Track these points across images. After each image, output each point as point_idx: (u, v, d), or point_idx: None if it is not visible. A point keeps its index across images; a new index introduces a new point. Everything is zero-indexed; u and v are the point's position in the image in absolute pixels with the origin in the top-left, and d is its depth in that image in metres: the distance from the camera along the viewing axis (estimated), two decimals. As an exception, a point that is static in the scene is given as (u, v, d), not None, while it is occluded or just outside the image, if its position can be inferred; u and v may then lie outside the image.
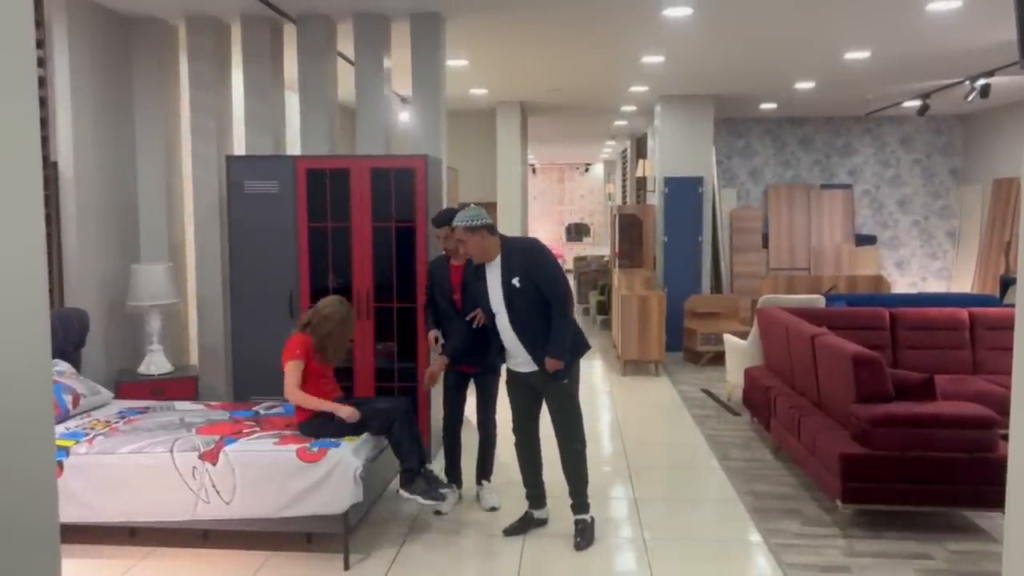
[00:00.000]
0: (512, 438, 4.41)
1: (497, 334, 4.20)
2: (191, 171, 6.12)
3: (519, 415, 4.34)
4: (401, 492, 4.16)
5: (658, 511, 4.73)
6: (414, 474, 4.13)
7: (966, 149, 11.68)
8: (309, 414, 4.18)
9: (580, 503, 4.26)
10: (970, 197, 11.39)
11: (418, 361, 5.34)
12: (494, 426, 4.75)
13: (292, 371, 4.13)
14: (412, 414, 4.35)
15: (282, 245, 5.36)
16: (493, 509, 4.64)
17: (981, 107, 10.40)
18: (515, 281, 4.04)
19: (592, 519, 4.27)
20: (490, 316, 4.20)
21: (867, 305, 6.70)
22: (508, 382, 4.36)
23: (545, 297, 4.06)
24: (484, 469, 4.77)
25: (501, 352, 4.29)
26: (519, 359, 4.17)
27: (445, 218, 4.57)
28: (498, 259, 4.12)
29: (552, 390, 4.16)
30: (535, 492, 4.40)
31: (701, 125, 9.93)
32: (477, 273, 4.23)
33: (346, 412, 4.12)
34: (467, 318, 4.41)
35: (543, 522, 4.41)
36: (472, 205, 4.13)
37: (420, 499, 4.12)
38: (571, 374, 4.16)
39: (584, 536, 4.19)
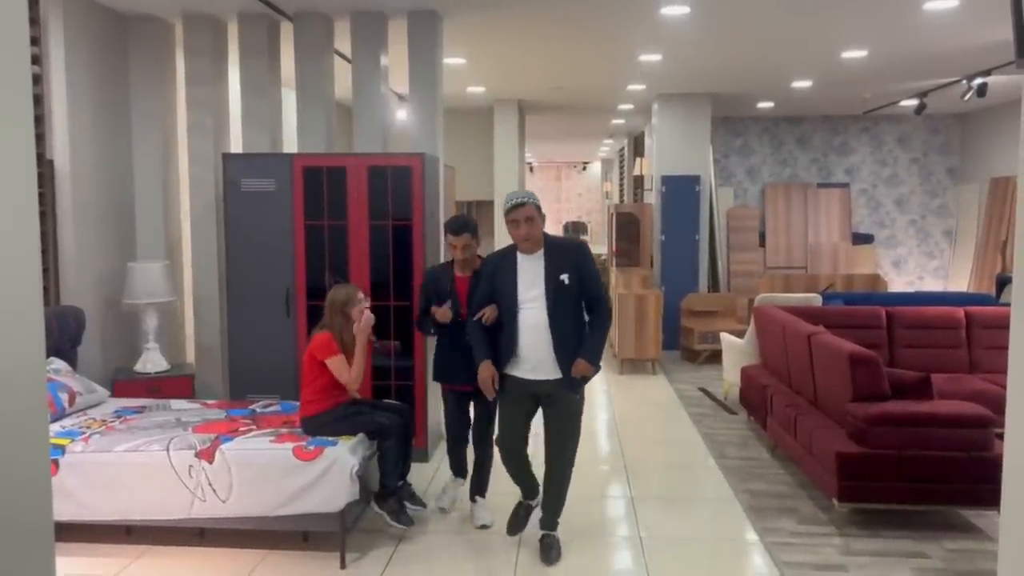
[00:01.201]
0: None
1: (514, 334, 3.89)
2: (188, 169, 6.10)
3: (515, 425, 4.01)
4: (373, 505, 4.17)
5: (655, 510, 4.74)
6: (389, 492, 4.14)
7: (963, 148, 11.69)
8: (315, 410, 4.14)
9: (553, 521, 4.11)
10: (967, 196, 11.40)
11: (415, 360, 5.33)
12: (491, 446, 4.53)
13: (338, 366, 4.10)
14: (409, 430, 4.32)
15: (279, 243, 5.36)
16: (484, 527, 4.46)
17: (978, 106, 10.40)
18: (564, 277, 3.83)
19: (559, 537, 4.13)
20: (511, 313, 3.89)
21: (864, 304, 6.71)
22: (509, 390, 3.99)
23: (587, 300, 3.90)
24: (479, 486, 4.57)
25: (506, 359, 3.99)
26: (533, 363, 3.88)
27: (466, 224, 4.35)
28: (540, 252, 3.92)
29: (561, 402, 3.93)
30: (528, 485, 4.23)
31: (698, 124, 9.94)
32: (503, 263, 3.97)
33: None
34: (476, 318, 4.03)
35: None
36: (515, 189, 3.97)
37: (387, 518, 4.14)
38: (582, 390, 4.00)
39: (554, 550, 4.05)
